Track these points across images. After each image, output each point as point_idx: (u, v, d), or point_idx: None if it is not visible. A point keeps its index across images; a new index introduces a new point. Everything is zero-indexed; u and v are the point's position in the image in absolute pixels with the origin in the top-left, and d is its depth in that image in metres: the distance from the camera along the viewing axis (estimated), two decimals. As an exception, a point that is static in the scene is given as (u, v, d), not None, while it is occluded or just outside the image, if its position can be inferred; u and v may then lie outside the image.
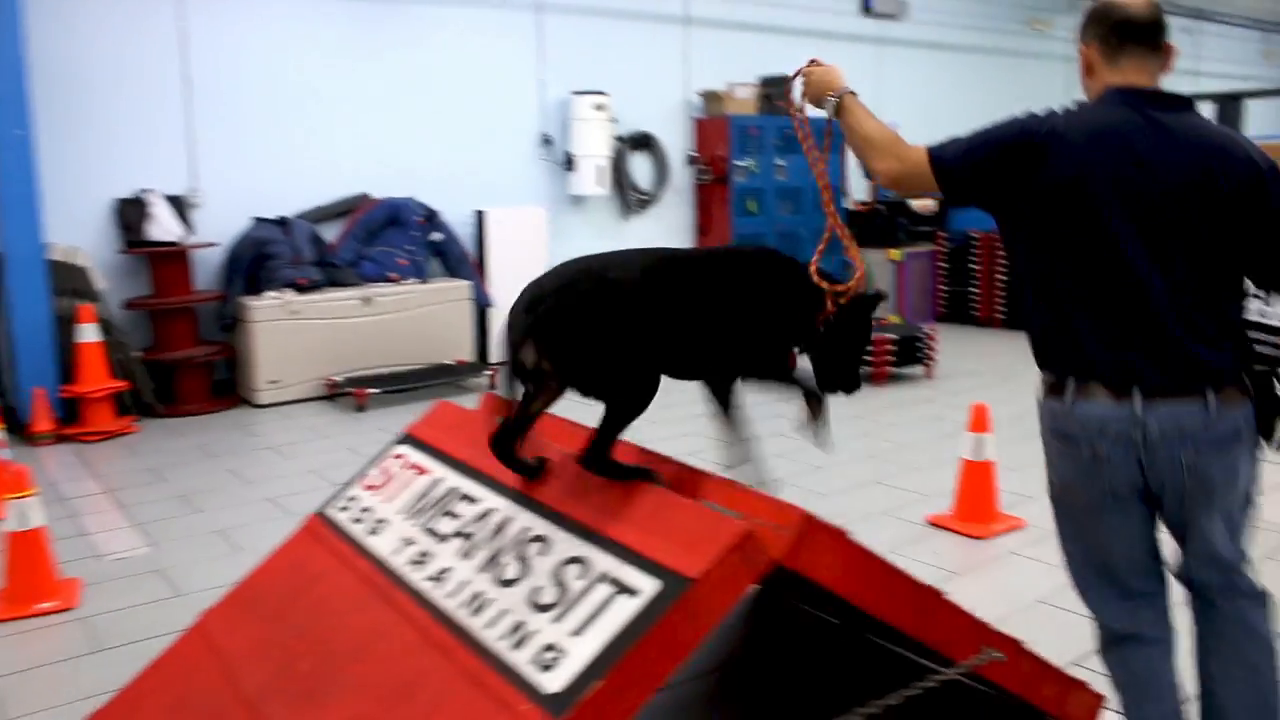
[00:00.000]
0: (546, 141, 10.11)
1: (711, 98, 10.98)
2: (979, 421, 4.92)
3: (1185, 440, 2.39)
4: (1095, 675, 2.88)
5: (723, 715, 3.27)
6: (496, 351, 9.54)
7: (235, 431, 7.43)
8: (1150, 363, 2.39)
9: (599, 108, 9.97)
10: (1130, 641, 2.66)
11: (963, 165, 2.51)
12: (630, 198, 10.63)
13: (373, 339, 8.50)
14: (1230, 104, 10.86)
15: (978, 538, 4.93)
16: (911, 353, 8.43)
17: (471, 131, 9.64)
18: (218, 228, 8.33)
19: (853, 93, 2.77)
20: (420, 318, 8.79)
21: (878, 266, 11.50)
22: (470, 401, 8.04)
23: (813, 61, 2.89)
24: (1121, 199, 2.36)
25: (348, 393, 7.91)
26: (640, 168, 10.78)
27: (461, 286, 9.07)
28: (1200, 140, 2.40)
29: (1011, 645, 2.66)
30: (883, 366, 8.24)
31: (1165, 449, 2.40)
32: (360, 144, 9.06)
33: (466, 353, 9.03)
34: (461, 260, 9.33)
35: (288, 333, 8.11)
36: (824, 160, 3.01)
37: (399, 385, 8.20)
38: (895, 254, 11.24)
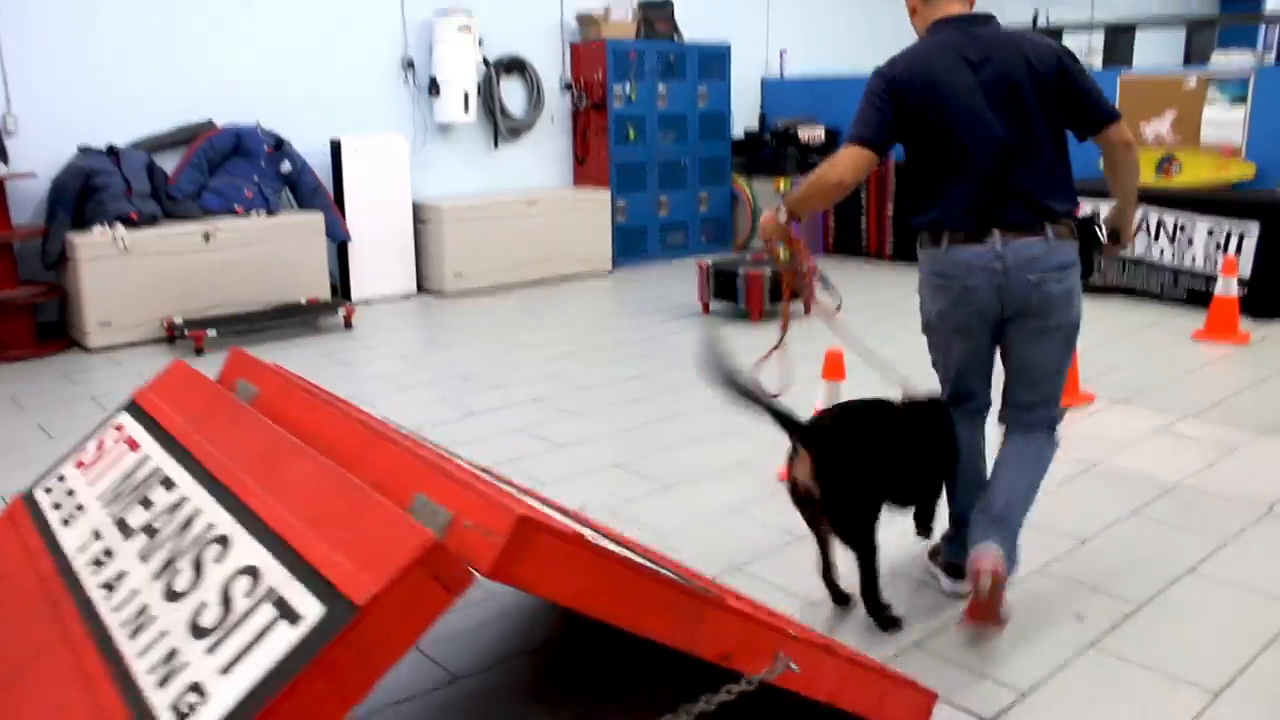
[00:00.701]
0: (409, 65, 9.44)
1: (588, 21, 10.38)
2: (833, 367, 4.50)
3: (1032, 265, 3.18)
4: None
5: (540, 703, 2.85)
6: (358, 289, 9.06)
7: (56, 379, 6.81)
8: (1003, 209, 3.19)
9: (464, 29, 9.34)
10: (959, 408, 3.56)
11: (880, 132, 3.31)
12: (501, 125, 10.02)
13: (216, 277, 7.88)
14: (1121, 34, 10.53)
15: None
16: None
17: (327, 54, 8.97)
18: (37, 157, 7.60)
19: (783, 198, 3.68)
20: (268, 254, 8.17)
21: (764, 198, 11.06)
22: (323, 343, 7.66)
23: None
24: (964, 91, 3.18)
25: (187, 335, 7.30)
26: (512, 94, 10.18)
27: (314, 220, 8.45)
28: (1011, 39, 3.24)
29: (816, 651, 2.25)
30: (758, 303, 7.81)
31: (1018, 273, 3.19)
32: (202, 66, 8.36)
33: (320, 291, 8.42)
34: (315, 192, 8.70)
35: (119, 271, 7.47)
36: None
37: (242, 326, 7.62)
38: (783, 184, 10.79)
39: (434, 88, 9.46)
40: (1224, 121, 8.81)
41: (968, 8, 3.36)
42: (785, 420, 3.32)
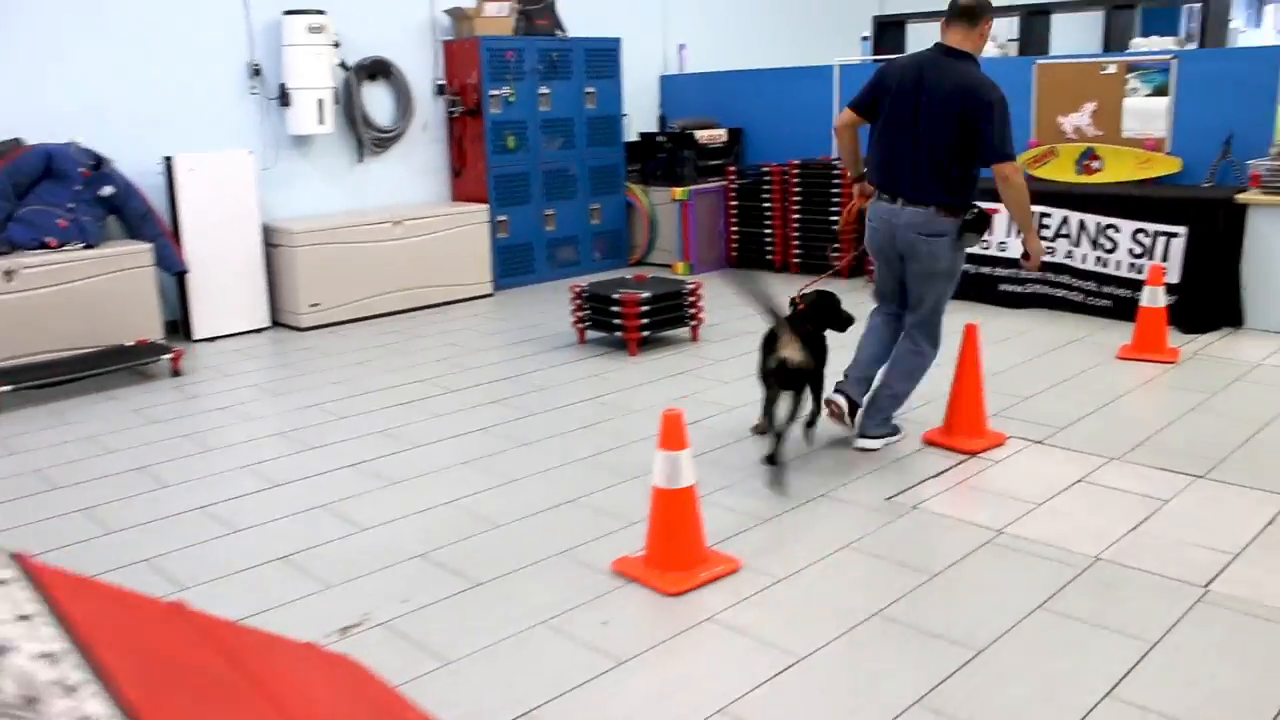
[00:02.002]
0: (256, 72, 8.46)
1: (460, 17, 9.46)
2: (672, 435, 3.61)
3: (912, 227, 4.69)
4: None
5: None
6: (200, 326, 8.05)
7: None
8: (907, 185, 4.67)
9: (316, 30, 8.39)
10: (876, 314, 5.12)
11: (861, 99, 4.84)
12: (365, 136, 9.07)
13: (19, 321, 6.91)
14: (1037, 18, 9.77)
15: (672, 594, 3.64)
16: (675, 312, 7.14)
17: (158, 61, 8.02)
18: None
19: (855, 178, 5.15)
20: (87, 292, 7.19)
21: (661, 208, 10.19)
22: (144, 395, 6.67)
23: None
24: (908, 102, 4.59)
25: (-21, 390, 6.30)
26: (377, 101, 9.23)
27: (141, 250, 7.47)
28: (960, 78, 4.53)
29: None
30: (634, 333, 6.92)
31: (903, 230, 4.72)
32: (8, 77, 7.32)
33: (151, 331, 7.44)
34: (144, 218, 7.71)
35: (-101, 319, 6.43)
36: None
37: (48, 378, 6.61)
38: (679, 192, 9.93)
39: (284, 97, 8.49)
40: (1146, 112, 8.06)
41: (963, 41, 4.67)
42: (780, 318, 4.71)
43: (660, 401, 5.97)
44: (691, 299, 7.23)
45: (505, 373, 6.73)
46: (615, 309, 6.96)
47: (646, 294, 6.98)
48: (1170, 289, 7.04)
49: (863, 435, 5.00)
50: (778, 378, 4.62)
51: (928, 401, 5.68)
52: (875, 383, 5.00)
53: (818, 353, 4.82)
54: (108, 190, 7.55)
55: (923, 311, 4.87)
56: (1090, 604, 3.54)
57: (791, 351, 4.56)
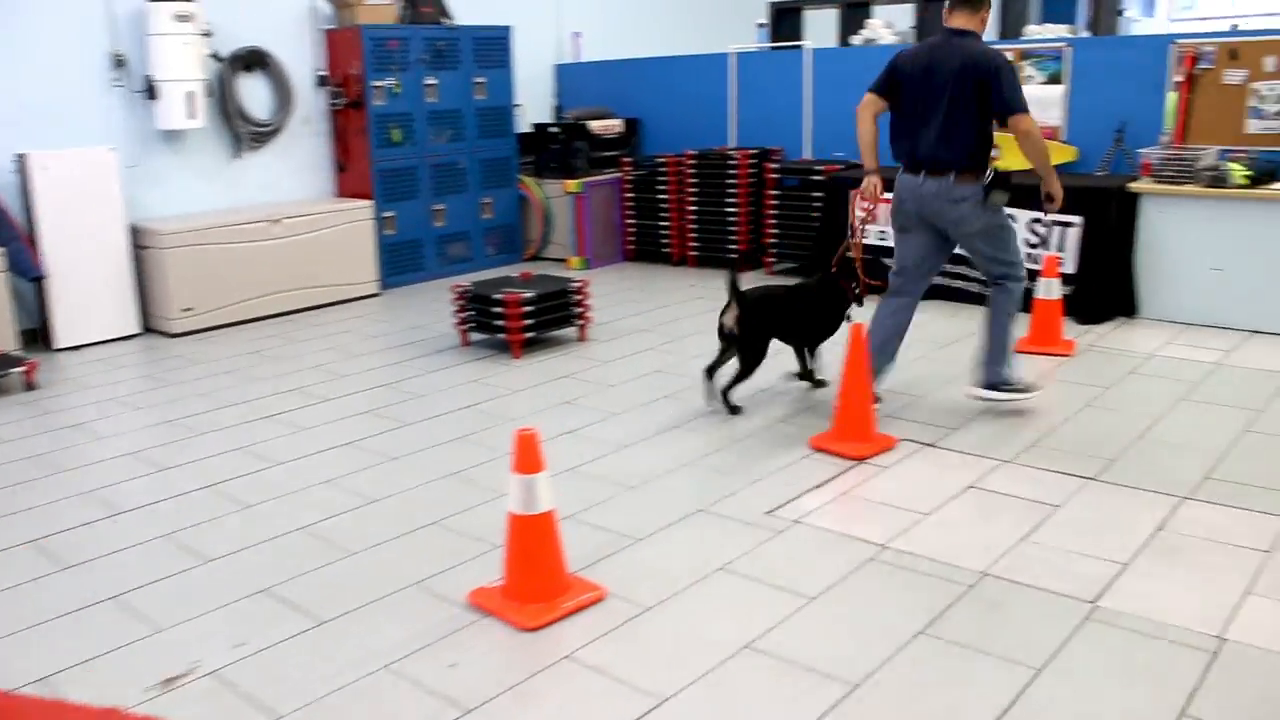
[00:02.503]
0: (119, 64, 7.98)
1: (341, 4, 9.06)
2: (526, 457, 3.32)
3: (937, 197, 5.09)
4: None
5: None
6: (62, 335, 7.51)
7: None
8: (928, 158, 5.07)
9: (184, 18, 7.93)
10: (893, 296, 5.43)
11: (881, 85, 5.23)
12: (241, 131, 8.62)
13: None
14: (934, 4, 9.59)
15: (529, 628, 3.36)
16: (561, 312, 6.85)
17: (10, 50, 7.49)
18: None
19: (871, 170, 5.39)
20: (-70, 300, 6.67)
21: (556, 201, 9.88)
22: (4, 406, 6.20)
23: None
24: (922, 81, 5.02)
25: None
26: (254, 93, 8.80)
27: (-9, 255, 6.97)
28: (967, 51, 4.95)
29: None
30: (517, 335, 6.61)
31: (929, 200, 5.12)
32: None
33: (3, 341, 6.96)
34: (-4, 220, 7.21)
35: None
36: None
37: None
38: (573, 185, 9.63)
39: (151, 90, 8.02)
40: (1041, 100, 7.92)
41: (966, 23, 5.05)
42: (732, 287, 5.35)
43: (542, 408, 5.69)
44: (578, 297, 6.94)
45: (382, 379, 6.39)
46: (498, 310, 6.64)
47: (530, 293, 6.68)
48: (1067, 279, 6.91)
49: (991, 386, 5.30)
50: (720, 336, 5.45)
51: (811, 405, 5.47)
52: (980, 338, 5.35)
53: (828, 317, 5.64)
54: (-47, 191, 7.04)
55: (986, 264, 5.23)
56: (975, 627, 3.33)
57: (730, 319, 5.35)
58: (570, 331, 7.12)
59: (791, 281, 6.00)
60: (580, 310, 6.99)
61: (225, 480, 4.82)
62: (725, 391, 5.44)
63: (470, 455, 5.01)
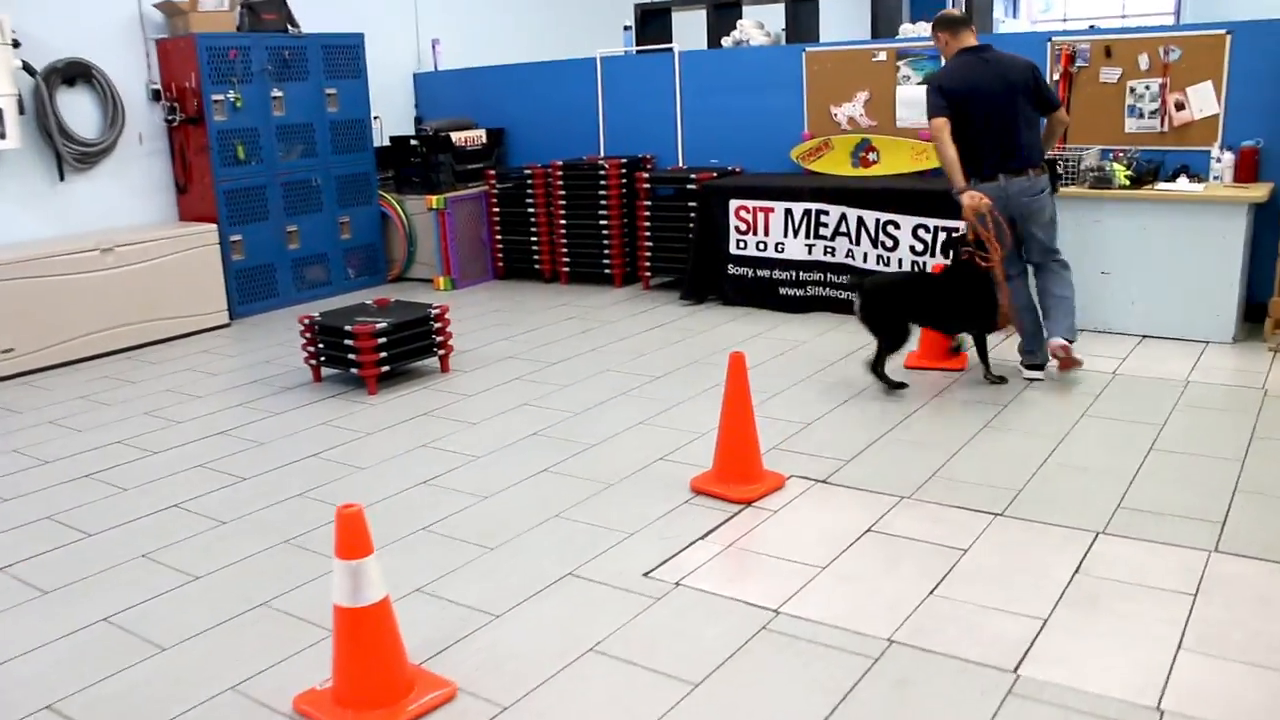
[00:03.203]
0: (-83, 80, 7.17)
1: (173, 12, 8.34)
2: (350, 538, 2.77)
3: (1023, 193, 5.57)
4: None
5: None
6: None
7: None
8: (1008, 162, 5.56)
9: (-11, 30, 7.15)
10: (1010, 280, 5.70)
11: (947, 108, 5.52)
12: (65, 151, 7.86)
13: None
14: (804, 4, 9.27)
15: (363, 743, 2.81)
16: (419, 341, 6.28)
17: None
18: None
19: (959, 191, 5.59)
20: None
21: (419, 218, 9.29)
22: None
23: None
24: (985, 96, 5.49)
25: None
26: (79, 109, 8.04)
27: None
28: (1012, 62, 5.60)
29: None
30: (371, 369, 6.03)
31: (1015, 199, 5.58)
32: None
33: None
34: None
35: None
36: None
37: None
38: (435, 201, 9.05)
39: (-45, 109, 7.22)
40: (919, 102, 7.59)
41: (973, 41, 5.70)
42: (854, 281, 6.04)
43: (395, 453, 5.13)
44: (438, 325, 6.38)
45: (221, 424, 5.76)
46: (350, 342, 6.05)
47: (384, 323, 6.11)
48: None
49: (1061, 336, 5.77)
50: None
51: (694, 437, 5.01)
52: (1029, 321, 5.84)
53: (969, 303, 5.70)
54: None
55: (1044, 246, 5.74)
56: (885, 709, 2.88)
57: (857, 309, 5.82)
58: (431, 362, 6.56)
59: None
60: (441, 339, 6.43)
61: (16, 562, 4.16)
62: (874, 368, 5.68)
63: (309, 516, 4.44)
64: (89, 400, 6.44)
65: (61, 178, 8.00)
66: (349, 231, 9.32)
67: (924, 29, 8.24)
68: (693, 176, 8.21)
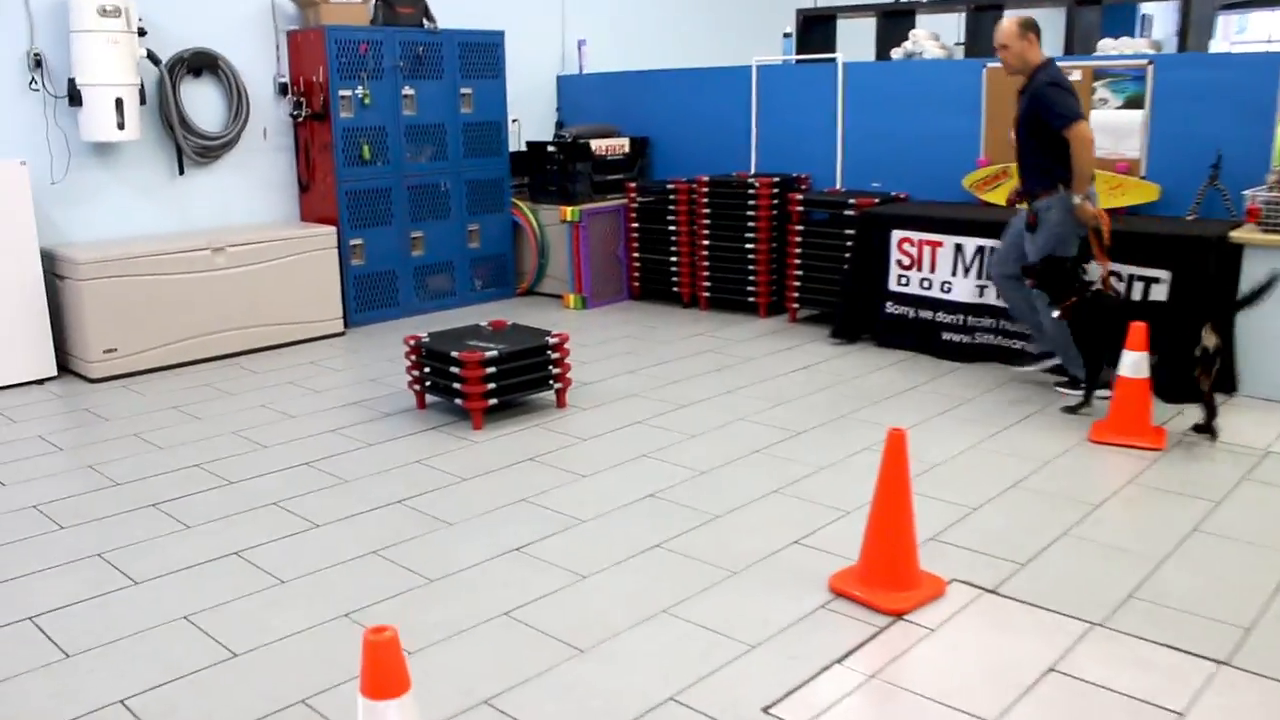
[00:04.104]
0: (37, 64, 6.84)
1: (305, 3, 7.89)
2: (380, 672, 2.08)
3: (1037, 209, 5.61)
4: None
5: None
6: None
7: None
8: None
9: (111, 12, 6.78)
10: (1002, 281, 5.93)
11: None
12: (186, 144, 7.45)
13: None
14: (986, 14, 8.36)
15: None
16: (534, 372, 5.62)
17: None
18: None
19: (1073, 198, 5.49)
20: None
21: (552, 230, 8.67)
22: None
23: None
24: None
25: None
26: (203, 101, 7.64)
27: None
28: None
29: None
30: (477, 401, 5.38)
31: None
32: None
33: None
34: (-123, 245, 6.07)
35: None
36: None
37: None
38: (570, 212, 8.41)
39: (74, 95, 6.85)
40: (1118, 128, 6.66)
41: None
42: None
43: (488, 508, 4.45)
44: (555, 355, 5.70)
45: (308, 453, 5.19)
46: (456, 370, 5.41)
47: (494, 350, 5.45)
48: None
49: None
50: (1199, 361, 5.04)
51: (837, 516, 4.21)
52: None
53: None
54: None
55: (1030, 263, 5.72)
56: None
57: (1211, 340, 4.97)
58: (546, 395, 5.88)
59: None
60: (559, 371, 5.75)
61: (51, 610, 3.62)
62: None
63: (373, 583, 3.80)
64: (180, 412, 5.95)
65: (181, 171, 7.60)
66: (477, 240, 8.75)
67: (1126, 45, 7.26)
68: (851, 201, 7.37)
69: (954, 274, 6.69)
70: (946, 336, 6.77)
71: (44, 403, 6.28)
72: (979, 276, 6.59)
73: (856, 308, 7.17)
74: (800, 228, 7.70)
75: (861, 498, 4.29)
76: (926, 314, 6.84)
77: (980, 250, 6.56)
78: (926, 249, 6.81)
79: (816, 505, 4.41)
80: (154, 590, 3.77)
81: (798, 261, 7.77)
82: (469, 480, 4.80)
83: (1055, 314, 5.53)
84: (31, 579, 3.89)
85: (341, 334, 7.80)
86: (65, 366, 6.90)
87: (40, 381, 6.71)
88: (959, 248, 6.67)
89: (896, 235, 6.95)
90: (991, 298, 6.51)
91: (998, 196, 7.07)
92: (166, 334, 6.94)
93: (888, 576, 3.58)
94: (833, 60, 8.19)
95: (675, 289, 8.53)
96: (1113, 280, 5.79)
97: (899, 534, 3.56)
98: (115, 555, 4.08)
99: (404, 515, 4.41)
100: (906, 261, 6.94)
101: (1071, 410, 5.56)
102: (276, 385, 6.49)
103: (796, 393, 6.03)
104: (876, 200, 7.40)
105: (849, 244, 7.36)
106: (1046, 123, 5.43)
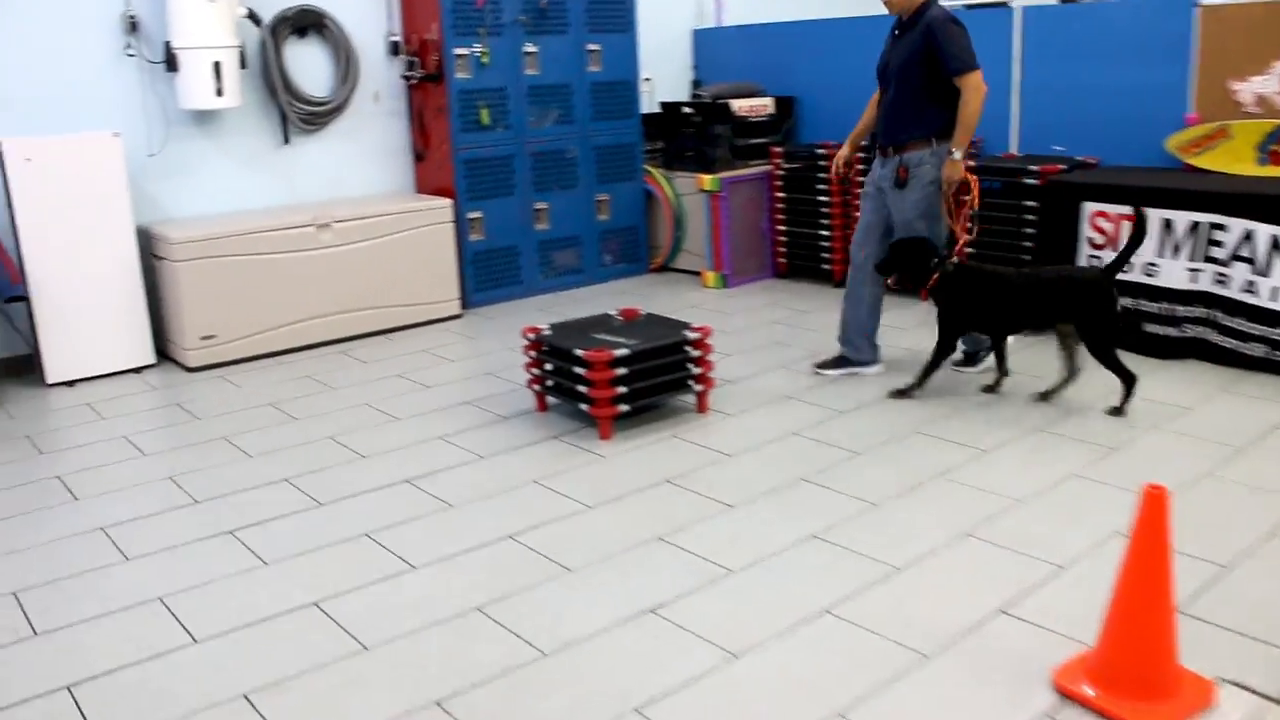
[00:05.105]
0: (133, 27, 6.27)
1: (420, -48, 7.15)
2: None
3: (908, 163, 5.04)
4: None
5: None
6: (54, 367, 5.78)
7: None
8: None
9: (210, -32, 6.16)
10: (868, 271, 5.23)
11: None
12: (291, 111, 6.83)
13: None
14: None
15: None
16: (670, 373, 4.83)
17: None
18: None
19: (951, 152, 4.93)
20: None
21: (688, 200, 7.85)
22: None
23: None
24: None
25: None
26: (308, 63, 7.01)
27: (-60, 272, 5.33)
28: None
29: None
30: (605, 407, 4.61)
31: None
32: None
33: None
34: (-41, 225, 5.59)
35: None
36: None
37: None
38: (708, 181, 7.57)
39: (171, 60, 6.26)
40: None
41: None
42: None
43: (612, 550, 3.69)
44: (697, 352, 4.88)
45: (411, 467, 4.51)
46: (581, 371, 4.65)
47: (627, 348, 4.66)
48: None
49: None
50: None
51: (1051, 572, 3.32)
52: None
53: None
54: (-99, 189, 5.42)
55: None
56: None
57: None
58: (686, 399, 5.08)
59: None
60: (700, 371, 4.94)
61: (79, 683, 2.95)
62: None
63: (480, 655, 3.05)
64: (276, 409, 5.35)
65: (286, 140, 6.98)
66: (607, 212, 7.97)
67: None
68: (1033, 169, 6.36)
69: (1161, 254, 5.67)
70: (1150, 328, 5.76)
71: (135, 395, 5.75)
72: (1192, 258, 5.55)
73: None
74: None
75: (1077, 546, 3.43)
76: (1126, 301, 5.82)
77: (1194, 227, 5.52)
78: (1126, 225, 5.79)
79: (1021, 556, 3.52)
80: (203, 656, 3.10)
81: (967, 238, 6.77)
82: (594, 509, 4.04)
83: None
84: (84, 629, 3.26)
85: (458, 316, 7.13)
86: (165, 353, 6.37)
87: (138, 370, 6.18)
88: (1168, 224, 5.65)
89: (1089, 208, 5.95)
90: (1206, 284, 5.48)
91: (1214, 161, 6.00)
92: (267, 319, 6.36)
93: (1138, 678, 2.70)
94: (1007, 5, 7.14)
95: (826, 266, 7.64)
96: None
97: (1155, 625, 2.67)
98: (173, 600, 3.44)
99: (515, 556, 3.67)
100: (1101, 240, 5.94)
101: (902, 393, 5.09)
102: (382, 379, 5.84)
103: (974, 397, 5.11)
104: (1062, 167, 6.36)
105: (1028, 218, 6.35)
106: (940, 63, 4.85)
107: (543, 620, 3.22)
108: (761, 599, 3.30)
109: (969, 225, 5.14)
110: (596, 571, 3.53)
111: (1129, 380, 4.78)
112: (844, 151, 5.61)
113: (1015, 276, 4.96)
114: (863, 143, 5.64)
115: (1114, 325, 4.76)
